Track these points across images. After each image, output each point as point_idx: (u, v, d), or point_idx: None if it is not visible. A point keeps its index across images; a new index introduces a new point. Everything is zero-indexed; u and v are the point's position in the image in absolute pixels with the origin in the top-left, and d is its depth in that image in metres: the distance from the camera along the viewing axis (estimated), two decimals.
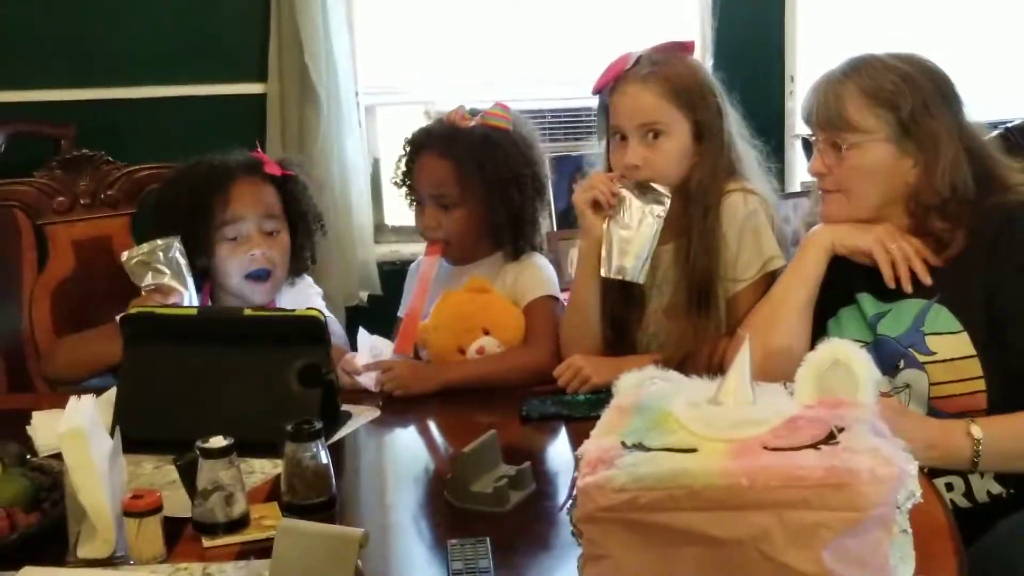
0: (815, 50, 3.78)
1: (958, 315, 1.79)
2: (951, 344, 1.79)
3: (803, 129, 3.76)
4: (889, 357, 1.83)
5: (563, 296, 2.35)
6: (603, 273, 2.09)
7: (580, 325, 2.18)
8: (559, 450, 1.93)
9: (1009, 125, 2.48)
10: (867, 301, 1.90)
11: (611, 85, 2.13)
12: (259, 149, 2.46)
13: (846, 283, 1.92)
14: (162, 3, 3.68)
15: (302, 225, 2.40)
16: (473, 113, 2.36)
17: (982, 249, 1.80)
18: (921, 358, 1.81)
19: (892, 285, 1.83)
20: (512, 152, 2.32)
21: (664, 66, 2.11)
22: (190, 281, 2.19)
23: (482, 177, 2.28)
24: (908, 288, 1.83)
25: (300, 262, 2.42)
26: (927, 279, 1.82)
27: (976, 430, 1.67)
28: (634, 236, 2.08)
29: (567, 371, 2.10)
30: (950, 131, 1.82)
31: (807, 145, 1.93)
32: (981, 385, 1.77)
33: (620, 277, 2.08)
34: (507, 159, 2.30)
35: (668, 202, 2.07)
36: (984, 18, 3.79)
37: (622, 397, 1.34)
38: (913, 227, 1.86)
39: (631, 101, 2.10)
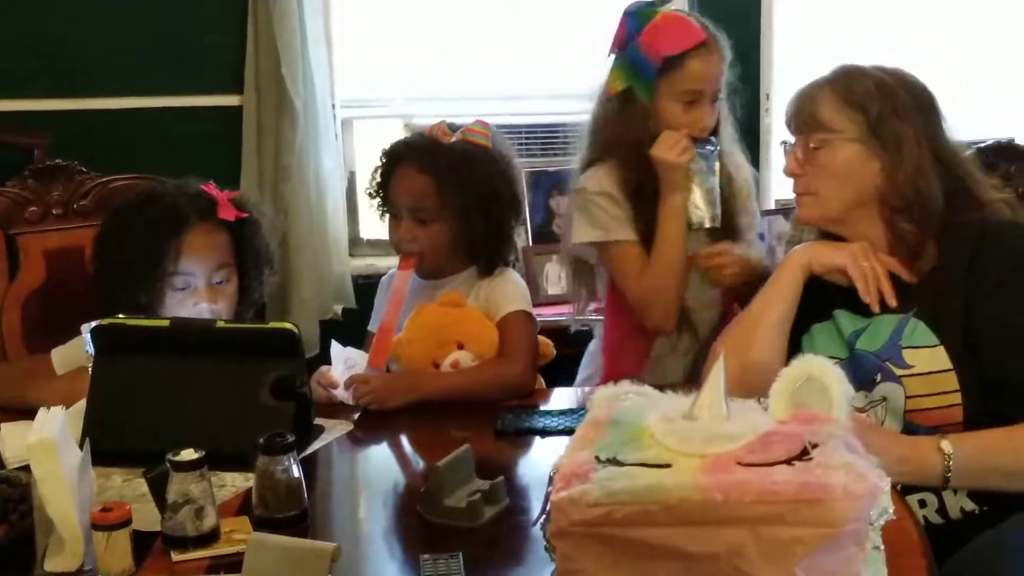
0: (791, 68, 3.80)
1: (935, 329, 1.80)
2: (928, 357, 1.79)
3: (777, 148, 3.80)
4: (866, 371, 1.84)
5: (536, 312, 2.35)
6: (702, 224, 2.30)
7: (671, 287, 2.29)
8: (533, 465, 1.92)
9: (981, 145, 2.49)
10: (844, 318, 1.91)
11: (689, 50, 2.25)
12: (213, 185, 2.28)
13: (821, 300, 1.93)
14: (138, 14, 3.65)
15: (252, 268, 2.29)
16: (453, 128, 2.36)
17: (959, 264, 1.81)
18: (898, 371, 1.81)
19: (867, 300, 1.85)
20: (491, 169, 2.32)
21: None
22: None
23: (461, 193, 2.28)
24: (876, 309, 1.85)
25: (246, 302, 2.30)
26: (892, 301, 1.84)
27: (947, 445, 1.68)
28: (714, 185, 2.30)
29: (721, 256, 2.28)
30: (918, 137, 1.86)
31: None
32: (957, 399, 1.78)
33: (714, 224, 2.30)
34: (486, 176, 2.30)
35: (719, 147, 2.31)
36: (959, 39, 3.83)
37: (596, 411, 1.34)
38: (888, 234, 1.89)
39: (714, 69, 2.29)
